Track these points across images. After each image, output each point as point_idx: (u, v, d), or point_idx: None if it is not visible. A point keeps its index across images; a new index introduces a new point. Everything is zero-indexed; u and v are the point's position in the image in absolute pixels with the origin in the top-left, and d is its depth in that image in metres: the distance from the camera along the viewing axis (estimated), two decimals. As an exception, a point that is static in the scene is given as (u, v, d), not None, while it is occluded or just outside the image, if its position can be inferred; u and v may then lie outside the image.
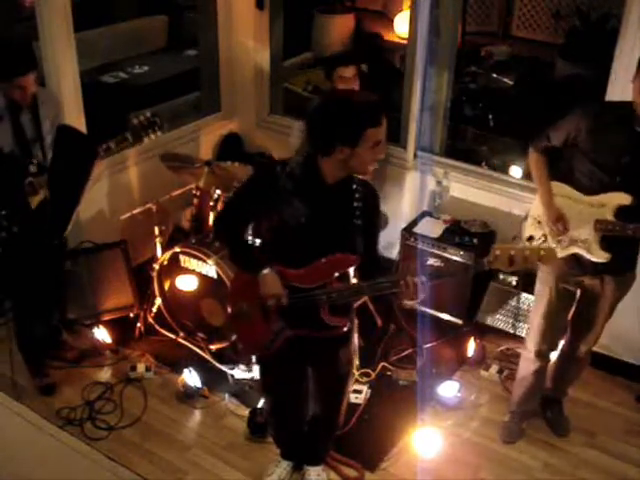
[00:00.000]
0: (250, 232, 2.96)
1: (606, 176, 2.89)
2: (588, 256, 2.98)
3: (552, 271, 3.13)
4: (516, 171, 4.24)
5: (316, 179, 2.46)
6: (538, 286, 3.24)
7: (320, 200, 2.48)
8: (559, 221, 3.00)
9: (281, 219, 2.51)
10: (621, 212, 2.88)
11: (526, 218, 3.22)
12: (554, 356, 3.45)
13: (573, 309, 3.28)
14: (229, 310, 2.85)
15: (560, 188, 3.04)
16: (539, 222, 3.11)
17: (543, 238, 3.09)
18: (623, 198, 2.86)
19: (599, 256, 2.95)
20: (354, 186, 2.51)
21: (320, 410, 3.01)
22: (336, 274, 2.55)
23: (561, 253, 3.05)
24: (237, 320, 2.81)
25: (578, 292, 3.18)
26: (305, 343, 2.67)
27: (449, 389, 3.69)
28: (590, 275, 3.07)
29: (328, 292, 2.54)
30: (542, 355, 3.31)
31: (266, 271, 2.56)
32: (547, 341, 3.27)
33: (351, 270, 2.64)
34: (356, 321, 3.79)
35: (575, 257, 3.04)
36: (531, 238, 3.13)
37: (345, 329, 2.68)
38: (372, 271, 2.61)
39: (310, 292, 2.56)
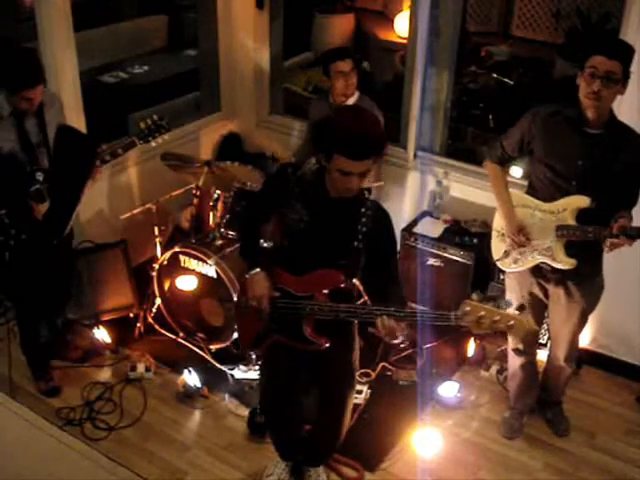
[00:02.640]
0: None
1: (562, 181, 2.87)
2: (553, 264, 2.96)
3: (515, 280, 3.15)
4: (516, 171, 4.23)
5: (320, 189, 2.48)
6: (507, 294, 3.26)
7: (321, 211, 2.49)
8: (520, 232, 3.00)
9: (284, 221, 2.54)
10: (582, 216, 2.86)
11: (491, 230, 3.22)
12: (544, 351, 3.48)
13: (548, 318, 3.28)
14: (235, 300, 2.91)
15: (519, 198, 3.04)
16: (502, 234, 3.11)
17: (507, 251, 3.08)
18: (582, 201, 2.84)
19: (564, 263, 2.93)
20: (363, 209, 2.50)
21: (321, 421, 3.01)
22: (325, 290, 2.54)
23: (525, 264, 3.04)
24: (237, 312, 2.88)
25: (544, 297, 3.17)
26: (301, 353, 2.67)
27: (449, 389, 3.69)
28: (553, 284, 3.06)
29: (312, 305, 2.54)
30: (521, 352, 3.34)
31: (256, 271, 2.61)
32: (522, 340, 3.26)
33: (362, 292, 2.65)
34: (356, 321, 3.80)
35: (537, 267, 3.03)
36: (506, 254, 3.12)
37: (325, 346, 2.63)
38: (387, 294, 2.52)
39: (297, 300, 2.57)
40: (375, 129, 2.37)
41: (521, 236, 2.99)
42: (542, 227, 2.95)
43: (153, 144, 3.41)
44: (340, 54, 3.89)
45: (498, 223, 3.16)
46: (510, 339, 3.35)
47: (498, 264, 3.17)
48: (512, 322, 2.27)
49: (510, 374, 3.49)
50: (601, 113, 2.75)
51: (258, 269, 2.62)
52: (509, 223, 3.04)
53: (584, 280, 3.02)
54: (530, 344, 3.33)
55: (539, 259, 2.99)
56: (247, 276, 2.63)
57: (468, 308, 2.30)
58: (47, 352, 3.74)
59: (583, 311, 3.10)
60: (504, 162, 3.11)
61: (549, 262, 2.96)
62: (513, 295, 3.18)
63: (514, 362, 3.40)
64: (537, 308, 3.18)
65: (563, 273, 2.97)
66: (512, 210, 3.04)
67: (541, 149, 2.91)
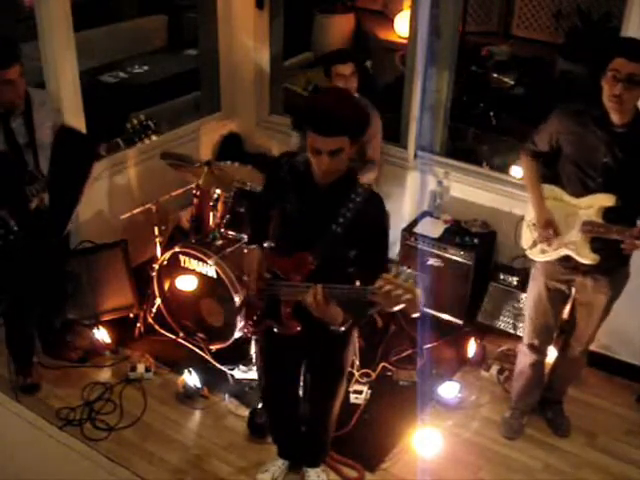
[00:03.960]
0: None
1: (588, 178, 2.90)
2: (577, 258, 2.98)
3: (541, 270, 3.16)
4: (517, 171, 4.23)
5: (308, 175, 2.50)
6: (530, 283, 3.27)
7: (309, 197, 2.51)
8: (549, 226, 3.01)
9: (277, 208, 2.59)
10: (608, 213, 2.88)
11: (522, 221, 3.23)
12: (552, 352, 3.47)
13: (568, 308, 3.28)
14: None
15: (551, 191, 3.05)
16: (533, 225, 3.12)
17: (536, 241, 3.10)
18: (607, 199, 2.86)
19: (588, 258, 2.96)
20: (352, 195, 2.48)
21: (309, 411, 3.04)
22: (296, 274, 2.53)
23: (552, 255, 3.07)
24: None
25: (572, 290, 3.19)
26: (298, 340, 2.67)
27: (449, 389, 3.69)
28: (581, 275, 3.07)
29: (285, 286, 2.56)
30: (535, 348, 3.33)
31: (252, 247, 2.69)
32: (539, 336, 3.29)
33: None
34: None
35: (566, 257, 3.04)
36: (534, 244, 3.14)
37: (297, 329, 2.62)
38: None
39: (280, 282, 2.59)
40: (347, 108, 2.36)
41: (549, 230, 3.01)
42: (569, 221, 2.98)
43: (139, 145, 3.37)
44: (342, 57, 3.84)
45: (529, 214, 3.16)
46: (523, 337, 3.34)
47: (527, 253, 3.19)
48: (409, 295, 2.17)
49: (517, 372, 3.47)
50: (624, 114, 2.77)
51: (255, 247, 2.68)
52: (538, 217, 3.06)
53: (611, 271, 3.04)
54: (546, 341, 3.34)
55: (564, 252, 3.02)
56: (244, 251, 2.67)
57: (381, 282, 2.22)
58: (30, 349, 3.72)
59: (609, 300, 3.13)
60: (537, 157, 3.10)
61: (573, 255, 2.99)
62: (536, 284, 3.19)
63: (525, 360, 3.39)
64: (558, 301, 3.20)
65: (590, 265, 2.99)
66: (543, 204, 3.05)
67: (568, 147, 2.93)
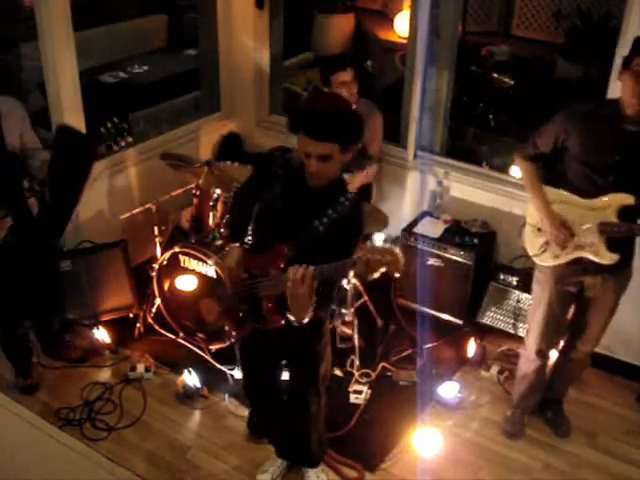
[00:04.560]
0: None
1: (599, 177, 2.89)
2: (596, 259, 2.97)
3: (550, 275, 3.13)
4: (516, 171, 4.23)
5: (300, 172, 2.49)
6: (536, 288, 3.23)
7: (297, 192, 2.52)
8: (562, 228, 2.99)
9: (264, 200, 2.60)
10: (622, 212, 2.89)
11: (524, 226, 3.21)
12: (554, 354, 3.47)
13: (573, 309, 3.28)
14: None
15: (556, 194, 3.03)
16: (539, 229, 3.10)
17: (545, 246, 3.08)
18: (626, 199, 2.86)
19: (608, 258, 2.95)
20: (341, 199, 2.50)
21: (295, 408, 3.03)
22: (273, 268, 2.53)
23: (564, 258, 3.04)
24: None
25: (577, 289, 3.18)
26: (275, 334, 2.68)
27: (449, 389, 3.69)
28: (590, 275, 3.07)
29: (262, 282, 2.57)
30: (542, 354, 3.32)
31: (235, 245, 2.70)
32: (547, 340, 3.28)
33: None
34: (356, 322, 3.82)
35: (575, 259, 3.03)
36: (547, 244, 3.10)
37: (281, 324, 2.62)
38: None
39: (257, 280, 2.59)
40: (341, 116, 2.36)
41: (564, 231, 2.99)
42: (582, 223, 2.96)
43: (116, 148, 3.38)
44: (341, 64, 3.76)
45: (533, 218, 3.13)
46: (529, 343, 3.32)
47: (535, 260, 3.15)
48: (389, 257, 2.21)
49: (520, 376, 3.46)
50: None
51: (237, 244, 2.70)
52: (551, 219, 3.02)
53: (620, 270, 3.05)
54: (552, 345, 3.34)
55: (580, 254, 3.00)
56: (226, 248, 2.68)
57: (360, 253, 2.25)
58: (28, 350, 3.72)
59: (616, 299, 3.14)
60: (538, 159, 3.08)
61: (591, 257, 2.98)
62: (544, 289, 3.16)
63: (529, 365, 3.37)
64: (567, 303, 3.20)
65: (602, 265, 2.99)
66: (550, 207, 3.03)
67: (577, 147, 2.91)
